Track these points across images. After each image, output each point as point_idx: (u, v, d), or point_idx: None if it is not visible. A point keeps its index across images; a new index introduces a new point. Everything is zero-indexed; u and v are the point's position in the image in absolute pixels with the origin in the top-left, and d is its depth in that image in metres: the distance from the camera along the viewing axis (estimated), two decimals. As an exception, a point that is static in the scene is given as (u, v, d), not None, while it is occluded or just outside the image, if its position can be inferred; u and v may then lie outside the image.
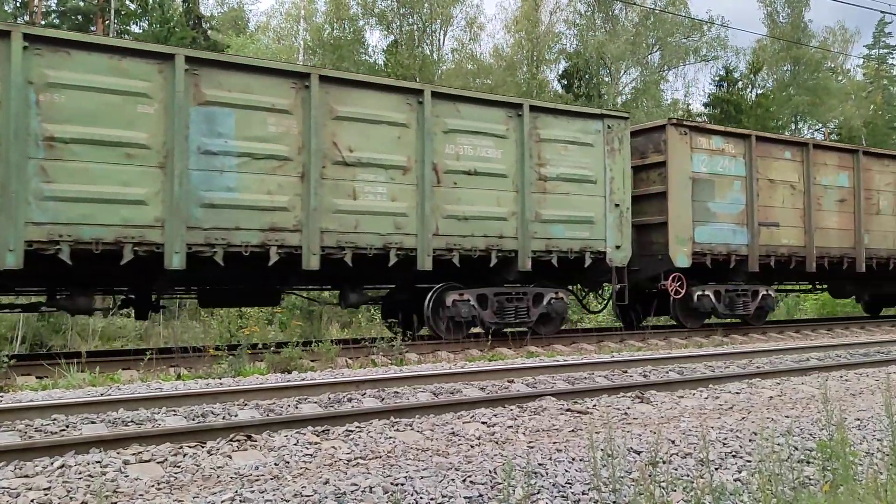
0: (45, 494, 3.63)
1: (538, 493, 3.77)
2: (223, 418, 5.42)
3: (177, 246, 8.46)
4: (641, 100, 32.33)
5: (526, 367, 7.84)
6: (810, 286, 17.39)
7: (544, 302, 11.41)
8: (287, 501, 3.55)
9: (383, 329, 12.67)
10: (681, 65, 34.87)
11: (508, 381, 7.15)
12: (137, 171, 8.37)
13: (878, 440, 5.03)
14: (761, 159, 13.70)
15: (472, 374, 7.40)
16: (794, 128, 37.96)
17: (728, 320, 14.17)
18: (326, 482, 3.82)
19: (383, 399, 6.25)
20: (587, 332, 13.44)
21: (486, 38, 52.56)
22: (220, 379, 7.51)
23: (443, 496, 3.67)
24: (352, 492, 3.67)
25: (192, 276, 9.26)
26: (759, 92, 37.14)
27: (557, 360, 8.91)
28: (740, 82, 36.12)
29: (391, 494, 3.65)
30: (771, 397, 6.60)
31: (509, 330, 11.28)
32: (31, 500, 3.57)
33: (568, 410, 5.82)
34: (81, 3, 28.36)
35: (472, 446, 4.70)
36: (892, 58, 49.52)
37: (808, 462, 4.42)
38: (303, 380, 7.12)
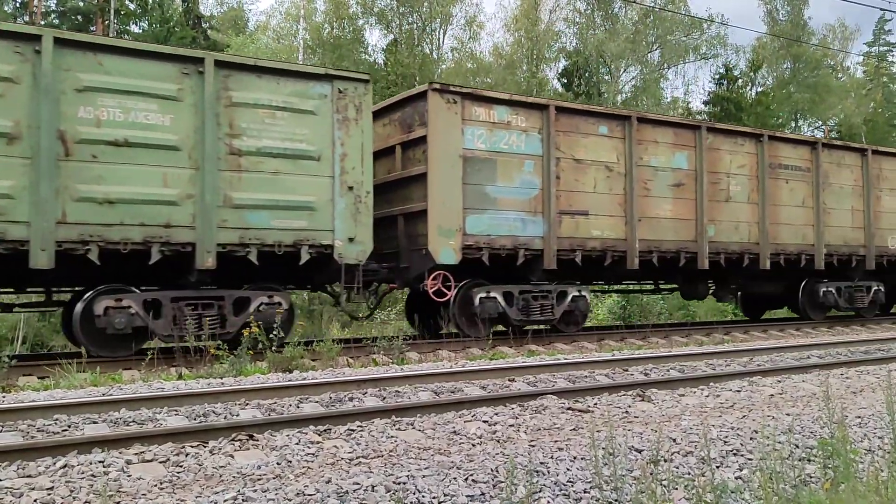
0: (48, 494, 3.65)
1: (540, 491, 3.78)
2: (225, 418, 5.44)
3: None
4: (641, 98, 32.39)
5: (527, 366, 7.86)
6: (653, 286, 14.88)
7: (252, 308, 9.36)
8: (289, 500, 3.56)
9: (384, 329, 12.66)
10: (681, 63, 34.86)
11: (509, 380, 7.17)
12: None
13: (879, 438, 5.04)
14: (564, 135, 11.34)
15: (472, 373, 7.42)
16: (794, 125, 37.95)
17: (530, 327, 11.66)
18: (329, 481, 3.83)
19: (385, 398, 6.26)
20: (588, 330, 13.20)
21: (485, 37, 52.47)
22: (221, 378, 7.53)
23: (445, 495, 3.68)
24: (354, 491, 3.68)
25: None
26: (759, 90, 37.11)
27: (558, 359, 8.91)
28: (740, 80, 36.11)
29: (393, 493, 3.65)
30: (772, 395, 6.61)
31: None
32: (34, 500, 3.58)
33: (569, 409, 5.83)
34: (81, 3, 28.36)
35: (473, 445, 4.71)
36: (892, 55, 49.64)
37: (810, 460, 4.43)
38: (304, 379, 7.13)
